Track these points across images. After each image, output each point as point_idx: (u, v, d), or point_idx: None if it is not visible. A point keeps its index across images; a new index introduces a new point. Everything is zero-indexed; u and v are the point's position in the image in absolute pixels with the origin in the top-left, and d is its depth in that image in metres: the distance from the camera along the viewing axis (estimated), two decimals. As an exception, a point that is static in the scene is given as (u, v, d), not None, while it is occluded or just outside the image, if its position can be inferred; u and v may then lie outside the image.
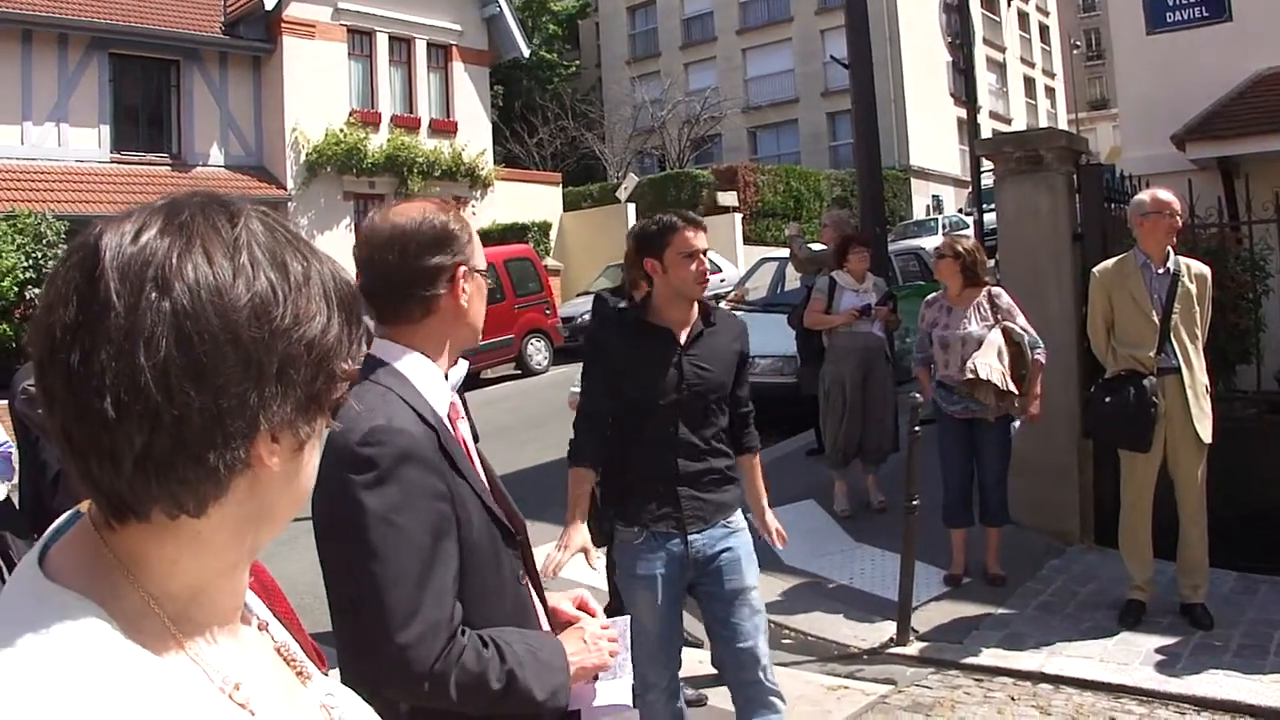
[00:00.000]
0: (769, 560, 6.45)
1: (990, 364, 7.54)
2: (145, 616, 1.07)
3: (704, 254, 4.61)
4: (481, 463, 2.60)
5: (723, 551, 4.61)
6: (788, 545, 4.98)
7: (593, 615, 2.57)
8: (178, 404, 1.00)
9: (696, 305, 4.72)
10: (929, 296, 8.38)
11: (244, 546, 1.16)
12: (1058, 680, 6.45)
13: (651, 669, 4.61)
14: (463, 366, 8.31)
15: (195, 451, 1.02)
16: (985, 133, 25.36)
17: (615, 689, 2.43)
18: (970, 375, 7.55)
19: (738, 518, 4.74)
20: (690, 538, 4.55)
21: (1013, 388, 7.59)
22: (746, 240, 33.83)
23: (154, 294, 1.00)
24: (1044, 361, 7.78)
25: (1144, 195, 7.21)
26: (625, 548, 4.65)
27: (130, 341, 0.99)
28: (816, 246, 11.81)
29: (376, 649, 2.21)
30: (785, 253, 15.13)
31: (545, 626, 2.54)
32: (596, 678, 2.46)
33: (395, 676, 2.21)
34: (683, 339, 4.62)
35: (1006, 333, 7.70)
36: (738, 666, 4.65)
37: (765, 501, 5.00)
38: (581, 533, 4.45)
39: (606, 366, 4.72)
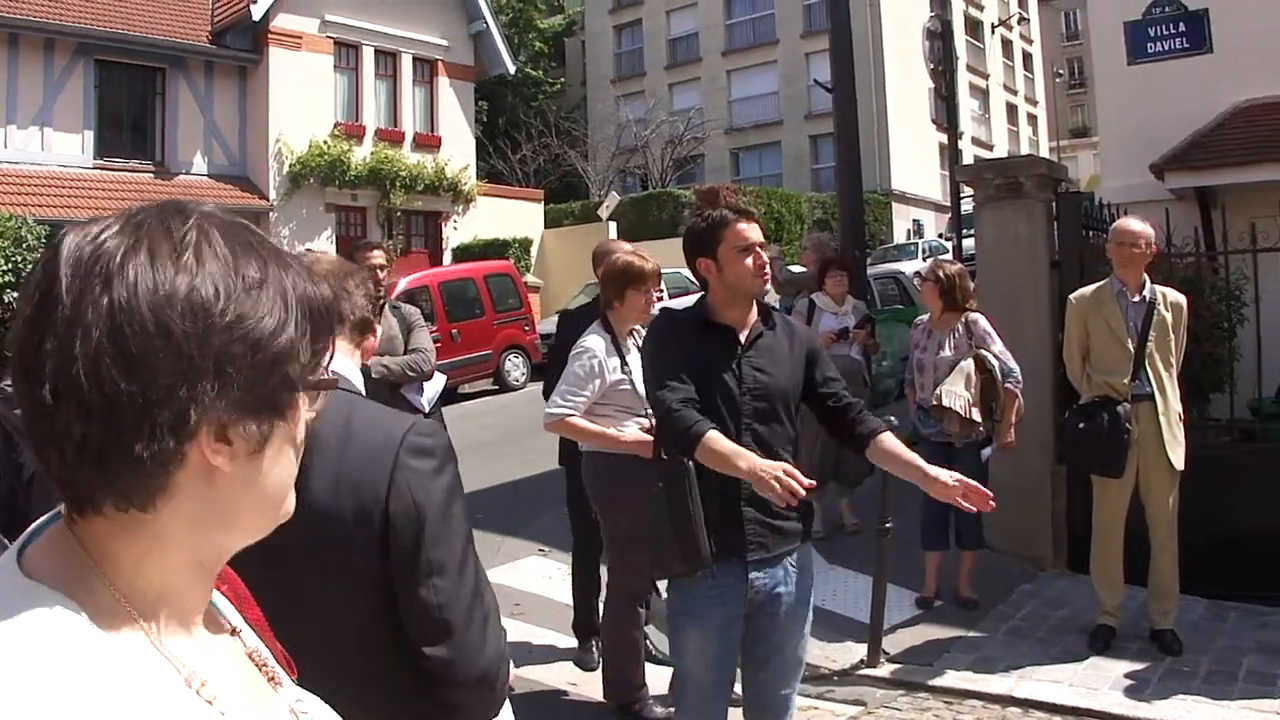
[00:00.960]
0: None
1: (956, 392, 7.58)
2: (115, 613, 1.09)
3: (761, 247, 4.30)
4: None
5: (783, 595, 4.27)
6: (994, 505, 4.39)
7: None
8: (106, 392, 1.02)
9: (756, 306, 4.39)
10: (917, 319, 8.44)
11: (205, 547, 1.17)
12: (1027, 704, 6.47)
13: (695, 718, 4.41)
14: (439, 380, 8.31)
15: (125, 441, 1.04)
16: (967, 158, 25.52)
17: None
18: (935, 402, 7.61)
19: (806, 556, 4.42)
20: (751, 575, 4.18)
21: (977, 417, 7.62)
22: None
23: (97, 289, 1.04)
24: (1016, 391, 7.80)
25: (1116, 225, 7.27)
26: (679, 585, 4.32)
27: (70, 332, 1.02)
28: (796, 269, 11.85)
29: (461, 639, 2.18)
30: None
31: None
32: None
33: (486, 665, 2.21)
34: (742, 340, 4.28)
35: (979, 360, 7.73)
36: (763, 710, 4.41)
37: (920, 463, 4.23)
38: (768, 461, 3.88)
39: (681, 358, 4.25)
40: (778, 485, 3.73)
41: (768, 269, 4.32)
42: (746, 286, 4.27)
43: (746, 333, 4.31)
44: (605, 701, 6.54)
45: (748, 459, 3.91)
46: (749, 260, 4.23)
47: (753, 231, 4.28)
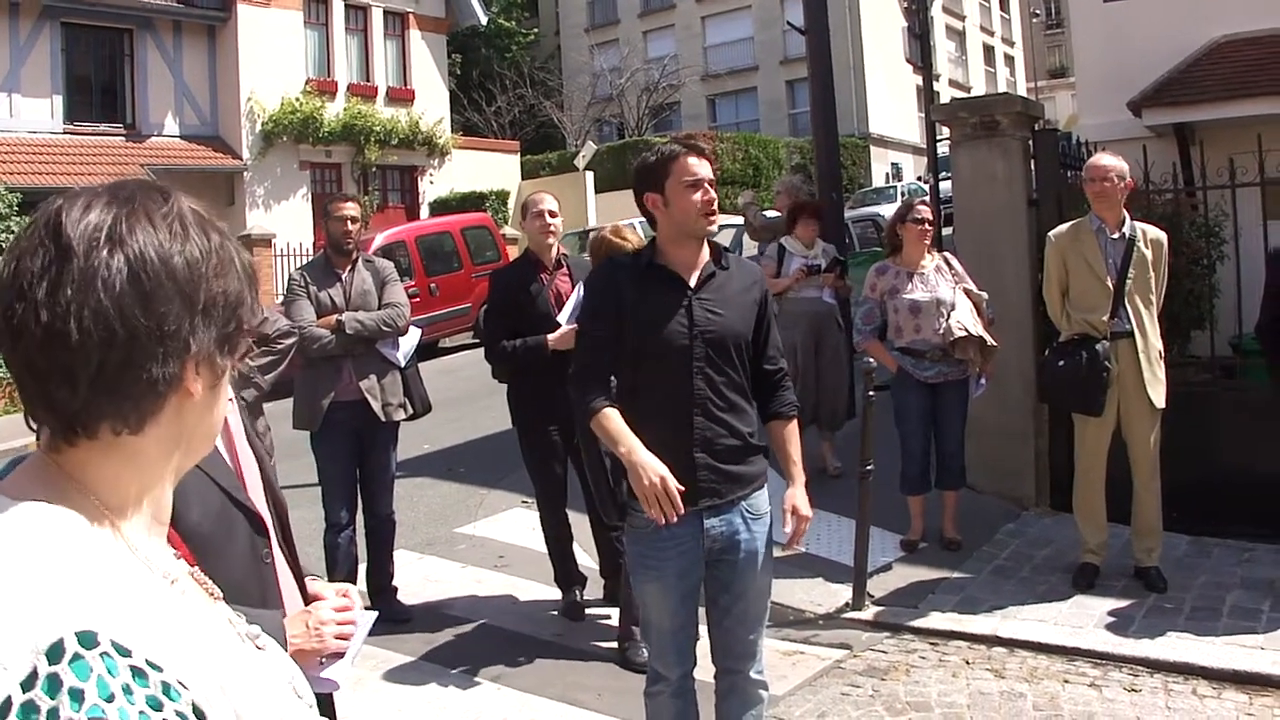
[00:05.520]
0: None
1: (976, 321, 7.61)
2: (97, 518, 1.30)
3: (710, 184, 4.19)
4: (253, 450, 2.73)
5: (741, 542, 4.23)
6: (796, 548, 4.46)
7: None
8: (129, 325, 1.24)
9: (707, 246, 4.31)
10: (879, 264, 8.25)
11: (170, 466, 1.40)
12: (1012, 643, 6.48)
13: (660, 664, 4.40)
14: (414, 335, 8.26)
15: (141, 362, 1.26)
16: (944, 100, 25.41)
17: (336, 670, 2.49)
18: (962, 333, 7.55)
19: (761, 501, 4.34)
20: (707, 523, 4.16)
21: (994, 342, 7.66)
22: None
23: (112, 246, 1.26)
24: (994, 319, 7.87)
25: (1089, 161, 7.24)
26: (636, 535, 4.29)
27: (90, 281, 1.24)
28: (771, 214, 11.79)
29: None
30: (742, 220, 15.09)
31: (299, 605, 2.57)
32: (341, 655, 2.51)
33: None
34: (692, 282, 4.20)
35: (967, 293, 7.76)
36: (730, 655, 4.39)
37: (797, 474, 4.36)
38: (650, 457, 3.92)
39: (616, 314, 4.23)
40: (648, 491, 3.85)
41: (715, 208, 4.23)
42: (692, 225, 4.20)
43: (698, 273, 4.24)
44: (589, 649, 6.57)
45: (629, 447, 3.99)
46: (696, 196, 4.15)
47: (702, 167, 4.19)
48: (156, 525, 1.40)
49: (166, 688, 1.14)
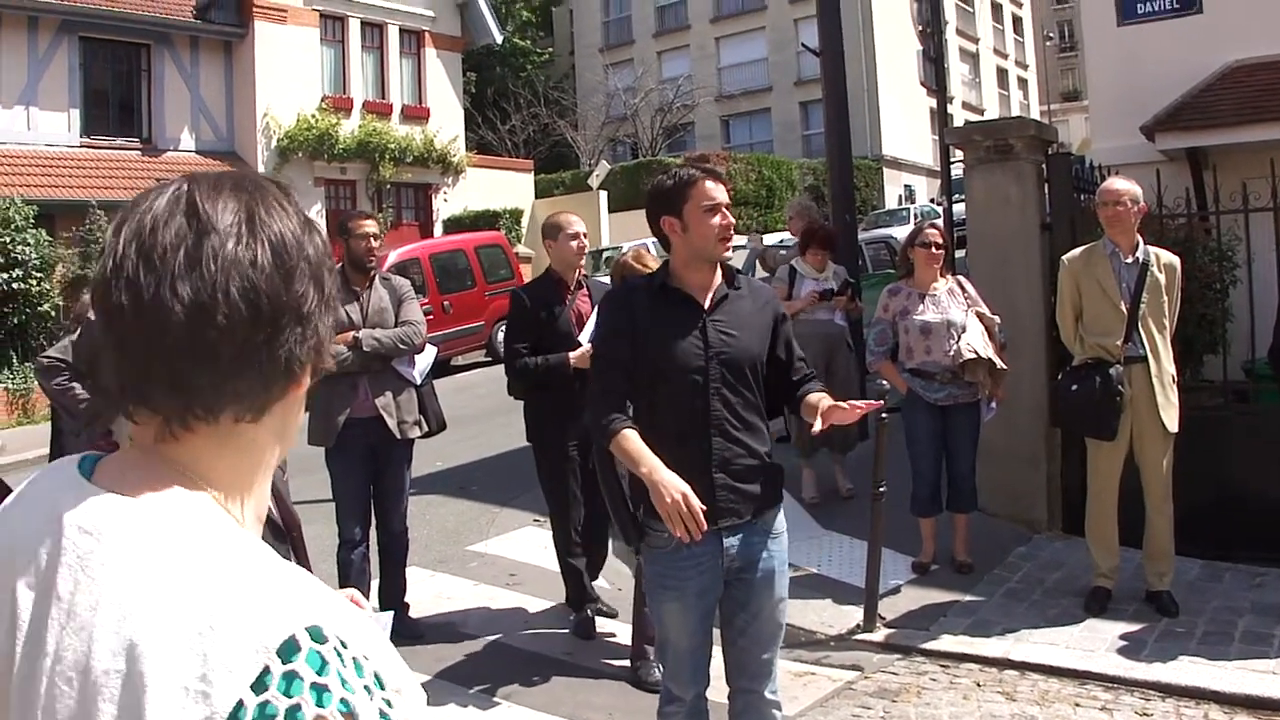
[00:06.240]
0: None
1: (986, 344, 7.61)
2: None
3: (727, 208, 4.24)
4: None
5: (759, 561, 4.27)
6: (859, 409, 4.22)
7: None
8: (275, 303, 1.26)
9: (720, 268, 4.36)
10: (892, 285, 8.26)
11: (273, 457, 1.39)
12: (1024, 666, 6.48)
13: (675, 684, 4.41)
14: (430, 353, 8.29)
15: (283, 342, 1.27)
16: (958, 123, 25.40)
17: None
18: (971, 355, 7.55)
19: (778, 521, 4.39)
20: (726, 542, 4.19)
21: (1003, 365, 7.66)
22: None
23: (253, 226, 1.28)
24: (1006, 342, 7.89)
25: (1101, 186, 7.26)
26: (654, 555, 4.30)
27: (235, 258, 1.24)
28: (787, 240, 11.80)
29: None
30: (756, 250, 15.10)
31: None
32: None
33: None
34: (706, 304, 4.25)
35: (979, 316, 7.76)
36: (745, 674, 4.39)
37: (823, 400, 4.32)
38: (672, 475, 3.91)
39: (630, 335, 4.27)
40: (670, 509, 3.83)
41: (732, 232, 4.28)
42: (709, 250, 4.25)
43: (711, 295, 4.29)
44: (600, 668, 6.58)
45: (650, 466, 3.98)
46: (714, 220, 4.19)
47: (720, 192, 4.24)
48: (257, 522, 1.37)
49: (377, 678, 1.15)
